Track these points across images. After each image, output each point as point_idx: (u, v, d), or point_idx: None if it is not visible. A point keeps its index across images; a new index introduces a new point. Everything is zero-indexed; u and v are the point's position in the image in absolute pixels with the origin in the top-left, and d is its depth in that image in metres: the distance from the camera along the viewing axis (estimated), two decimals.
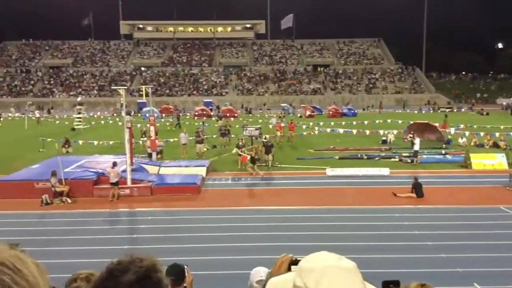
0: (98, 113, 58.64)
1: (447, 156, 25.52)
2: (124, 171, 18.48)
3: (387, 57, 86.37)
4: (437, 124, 32.60)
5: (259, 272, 2.91)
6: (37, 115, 48.75)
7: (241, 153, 23.47)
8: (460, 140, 29.83)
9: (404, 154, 25.57)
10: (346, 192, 18.55)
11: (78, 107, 46.57)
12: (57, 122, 48.02)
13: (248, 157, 22.28)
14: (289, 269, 1.50)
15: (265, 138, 24.94)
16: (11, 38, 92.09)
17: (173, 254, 11.23)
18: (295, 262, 1.48)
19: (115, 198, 17.38)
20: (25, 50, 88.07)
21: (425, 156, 25.25)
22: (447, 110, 59.52)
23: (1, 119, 47.93)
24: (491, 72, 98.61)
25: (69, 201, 17.23)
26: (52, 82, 77.62)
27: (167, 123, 44.19)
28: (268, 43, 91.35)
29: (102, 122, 48.06)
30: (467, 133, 31.43)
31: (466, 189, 18.90)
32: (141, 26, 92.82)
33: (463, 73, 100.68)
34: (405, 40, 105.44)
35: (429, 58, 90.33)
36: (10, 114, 54.42)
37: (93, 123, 45.89)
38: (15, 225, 14.86)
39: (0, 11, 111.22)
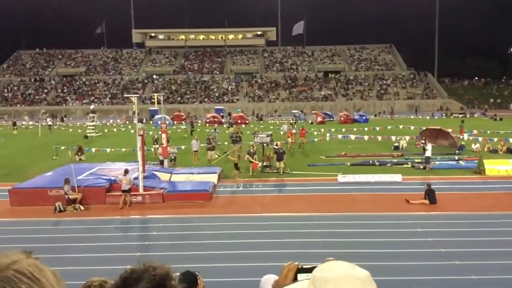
0: (111, 120, 59.12)
1: (460, 162, 25.26)
2: (136, 178, 18.58)
3: (398, 63, 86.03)
4: (450, 130, 32.35)
5: (270, 280, 2.91)
6: (49, 123, 49.12)
7: (252, 160, 23.50)
8: (474, 146, 29.54)
9: (416, 160, 25.38)
10: (358, 198, 18.44)
11: (91, 115, 47.00)
12: (71, 130, 48.49)
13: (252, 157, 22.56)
14: (295, 278, 1.49)
15: (276, 145, 24.94)
16: (25, 48, 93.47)
17: (185, 261, 11.25)
18: (302, 270, 1.47)
19: (128, 205, 17.46)
20: (39, 59, 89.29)
21: (438, 162, 25.02)
22: (460, 115, 59.06)
23: (16, 127, 48.42)
24: (504, 77, 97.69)
25: (82, 208, 17.34)
26: (65, 90, 78.54)
27: (179, 130, 44.38)
28: (279, 50, 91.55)
29: (115, 129, 48.43)
30: (480, 138, 31.12)
31: (480, 196, 18.68)
32: (153, 34, 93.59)
33: (476, 78, 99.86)
34: (417, 46, 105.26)
35: (441, 63, 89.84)
36: (24, 122, 55.03)
37: (106, 130, 46.28)
38: (29, 232, 14.99)
39: (15, 21, 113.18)
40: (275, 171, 23.33)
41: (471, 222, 15.09)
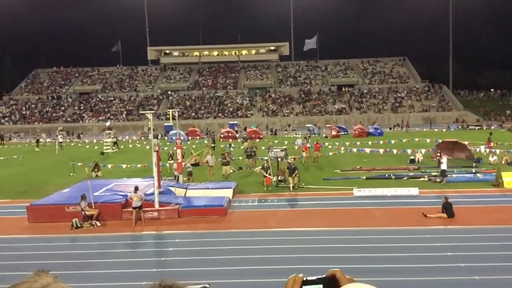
0: (127, 137, 59.66)
1: (478, 175, 24.90)
2: (152, 194, 18.70)
3: (412, 75, 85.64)
4: (466, 143, 31.98)
5: None
6: (60, 140, 48.56)
7: (266, 175, 23.48)
8: (491, 158, 29.11)
9: (433, 174, 25.09)
10: (375, 213, 18.26)
11: (107, 131, 47.49)
12: (87, 146, 48.99)
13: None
14: None
15: (290, 160, 24.74)
16: (43, 66, 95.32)
17: (201, 277, 11.24)
18: (307, 282, 1.46)
19: (143, 221, 17.49)
20: (56, 78, 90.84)
21: (455, 175, 24.72)
22: (476, 127, 58.40)
23: (39, 144, 48.59)
24: None
25: (99, 224, 17.46)
26: (82, 107, 79.65)
27: (193, 146, 44.58)
28: (292, 65, 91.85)
29: (130, 145, 48.85)
30: (497, 151, 30.68)
31: (499, 209, 18.37)
32: (167, 51, 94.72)
33: (492, 90, 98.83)
34: (431, 58, 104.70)
35: (456, 75, 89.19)
36: (41, 140, 55.77)
37: (122, 146, 46.68)
38: (47, 248, 15.14)
39: (33, 41, 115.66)
40: (288, 185, 23.14)
41: (491, 236, 14.82)
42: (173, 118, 37.68)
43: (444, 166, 23.42)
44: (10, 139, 62.77)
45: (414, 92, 79.36)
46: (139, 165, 30.90)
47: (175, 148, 26.26)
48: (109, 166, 30.73)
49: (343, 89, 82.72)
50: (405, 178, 24.72)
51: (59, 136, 51.33)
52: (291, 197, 21.65)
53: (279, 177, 24.08)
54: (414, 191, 21.01)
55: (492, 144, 33.46)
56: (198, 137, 55.97)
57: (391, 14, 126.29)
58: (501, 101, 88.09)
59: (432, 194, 20.69)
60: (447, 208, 16.95)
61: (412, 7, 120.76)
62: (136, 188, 18.06)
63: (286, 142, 42.36)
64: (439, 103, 75.81)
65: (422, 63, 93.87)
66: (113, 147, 43.89)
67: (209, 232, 16.29)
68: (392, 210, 18.56)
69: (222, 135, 53.17)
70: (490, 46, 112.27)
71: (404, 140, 40.51)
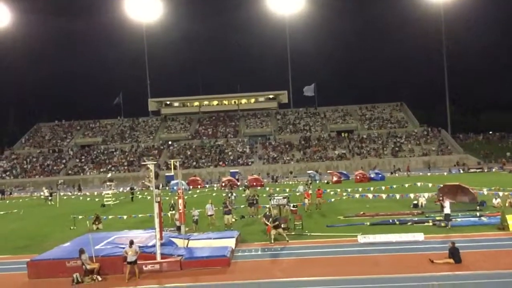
0: (128, 188, 59.46)
1: (483, 218, 24.66)
2: (153, 246, 18.44)
3: (410, 120, 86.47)
4: (468, 187, 31.84)
5: None
6: (47, 194, 47.61)
7: (267, 223, 23.24)
8: (494, 201, 28.91)
9: (437, 218, 24.85)
10: (380, 260, 17.94)
11: (108, 183, 47.39)
12: (88, 199, 48.69)
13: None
14: None
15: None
16: (45, 120, 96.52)
17: None
18: None
19: (137, 277, 17.02)
20: (57, 131, 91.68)
21: (459, 219, 24.47)
22: (478, 170, 58.34)
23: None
24: None
25: (100, 279, 17.11)
26: (83, 160, 79.89)
27: (194, 195, 44.38)
28: (292, 112, 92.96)
29: (131, 196, 48.55)
30: (501, 193, 30.50)
31: (506, 253, 18.05)
32: (168, 102, 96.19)
33: (490, 132, 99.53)
34: (428, 102, 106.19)
35: (454, 118, 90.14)
36: (41, 193, 55.53)
37: (122, 197, 46.43)
38: None
39: (35, 95, 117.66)
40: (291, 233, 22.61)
41: (500, 281, 14.52)
42: (174, 168, 37.61)
43: (447, 210, 23.25)
44: (10, 194, 62.49)
45: (413, 136, 79.88)
46: (140, 215, 30.66)
47: (176, 197, 26.13)
48: (110, 217, 30.46)
49: (343, 135, 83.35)
50: (409, 223, 24.46)
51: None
52: (295, 245, 21.33)
53: (282, 224, 23.77)
54: (419, 236, 20.74)
55: None
56: (199, 186, 55.82)
57: (387, 60, 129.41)
58: (500, 144, 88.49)
59: (438, 239, 20.41)
60: (454, 254, 16.69)
61: (407, 53, 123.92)
62: (131, 242, 17.75)
63: (287, 190, 42.22)
64: (439, 147, 76.14)
65: (420, 108, 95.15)
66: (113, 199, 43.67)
67: (212, 284, 15.93)
68: (398, 256, 18.26)
69: (223, 183, 53.10)
70: (486, 89, 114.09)
71: (406, 185, 40.42)
